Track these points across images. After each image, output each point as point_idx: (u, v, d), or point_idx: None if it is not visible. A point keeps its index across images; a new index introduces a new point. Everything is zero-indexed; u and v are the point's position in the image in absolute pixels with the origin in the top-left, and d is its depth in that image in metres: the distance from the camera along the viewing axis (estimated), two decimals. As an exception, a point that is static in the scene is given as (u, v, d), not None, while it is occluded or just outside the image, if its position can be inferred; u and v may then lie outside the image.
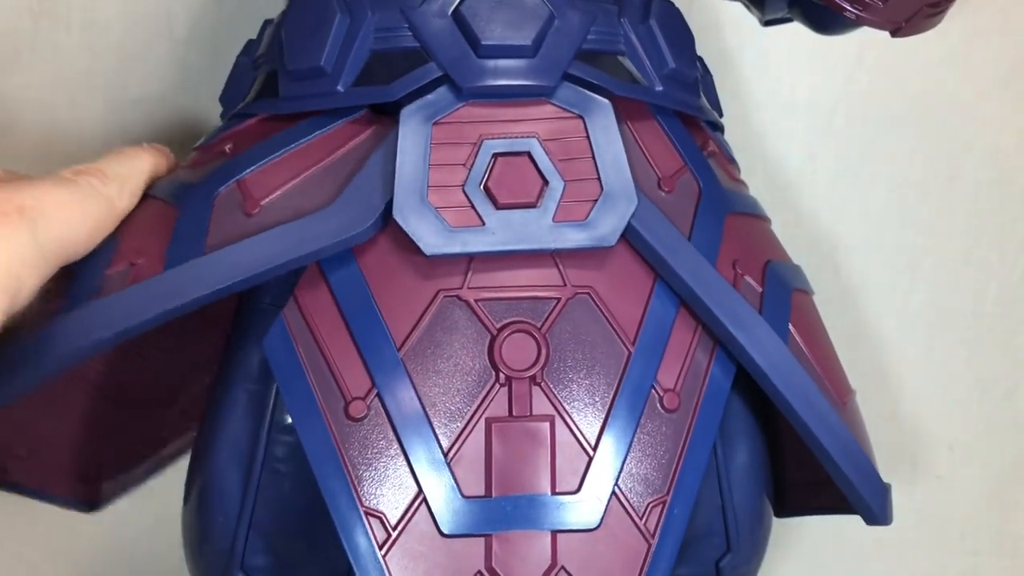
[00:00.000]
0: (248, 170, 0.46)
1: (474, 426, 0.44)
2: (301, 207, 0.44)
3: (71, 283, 0.45)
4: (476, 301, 0.45)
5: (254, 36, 0.54)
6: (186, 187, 0.47)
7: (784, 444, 0.53)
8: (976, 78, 0.73)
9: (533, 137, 0.45)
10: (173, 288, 0.43)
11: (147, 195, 0.49)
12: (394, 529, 0.43)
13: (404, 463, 0.44)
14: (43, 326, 0.44)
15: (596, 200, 0.44)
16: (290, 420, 0.46)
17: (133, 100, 0.69)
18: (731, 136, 0.65)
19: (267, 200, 0.45)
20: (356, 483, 0.43)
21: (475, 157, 0.45)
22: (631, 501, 0.44)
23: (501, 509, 0.43)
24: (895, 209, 0.73)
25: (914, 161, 0.73)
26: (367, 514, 0.43)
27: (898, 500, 0.72)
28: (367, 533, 0.43)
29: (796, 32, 0.57)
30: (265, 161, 0.46)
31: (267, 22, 0.53)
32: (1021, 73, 0.73)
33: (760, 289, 0.47)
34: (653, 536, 0.44)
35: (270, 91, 0.48)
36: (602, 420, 0.44)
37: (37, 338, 0.43)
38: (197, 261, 0.43)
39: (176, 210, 0.46)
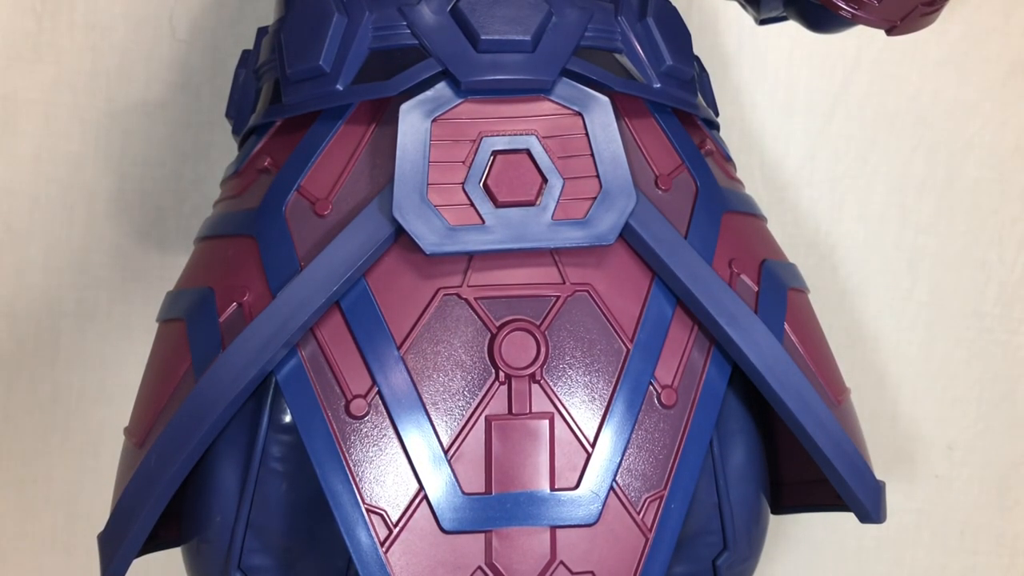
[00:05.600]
0: (301, 176, 0.46)
1: (474, 424, 0.44)
2: (369, 194, 0.45)
3: (189, 349, 0.46)
4: (476, 299, 0.45)
5: (255, 36, 0.54)
6: (248, 213, 0.47)
7: (780, 441, 0.53)
8: (976, 78, 0.73)
9: (532, 134, 0.45)
10: (295, 306, 0.44)
11: (207, 237, 0.49)
12: (395, 526, 0.43)
13: (405, 460, 0.44)
14: (183, 394, 0.45)
15: (595, 198, 0.45)
16: (288, 419, 0.46)
17: (135, 101, 0.69)
18: (729, 137, 0.65)
19: (334, 196, 0.46)
20: (357, 481, 0.43)
21: (474, 155, 0.45)
22: (629, 496, 0.45)
23: (501, 506, 0.44)
24: (894, 209, 0.73)
25: (914, 161, 0.73)
26: (368, 511, 0.43)
27: (898, 500, 0.72)
28: (369, 530, 0.43)
29: (795, 33, 0.57)
30: (309, 165, 0.47)
31: (261, 30, 0.54)
32: (1021, 73, 0.73)
33: (756, 288, 0.48)
34: (650, 530, 0.45)
35: (278, 98, 0.49)
36: (600, 416, 0.45)
37: (188, 405, 0.44)
38: (303, 275, 0.44)
39: (252, 238, 0.46)
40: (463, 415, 0.44)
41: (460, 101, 0.45)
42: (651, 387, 0.45)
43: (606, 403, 0.45)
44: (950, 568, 0.74)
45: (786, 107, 0.73)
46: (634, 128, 0.48)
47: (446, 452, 0.44)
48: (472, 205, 0.44)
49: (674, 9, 0.51)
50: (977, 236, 0.73)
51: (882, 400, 0.74)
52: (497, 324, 0.45)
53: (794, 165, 0.73)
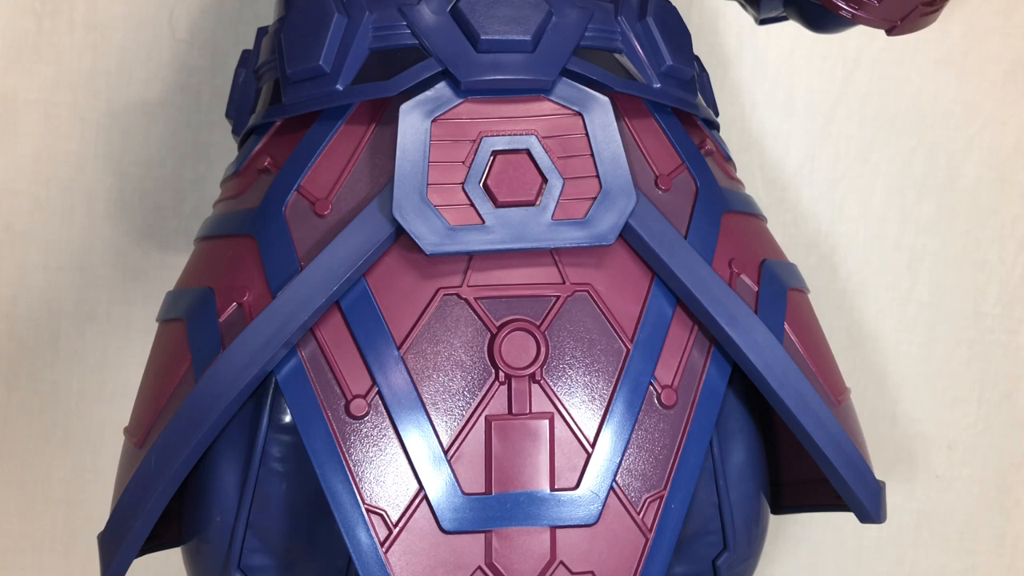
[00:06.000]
0: (301, 176, 0.46)
1: (474, 424, 0.44)
2: (369, 194, 0.45)
3: (189, 349, 0.46)
4: (476, 299, 0.45)
5: (255, 36, 0.54)
6: (249, 213, 0.47)
7: (780, 441, 0.53)
8: (976, 78, 0.73)
9: (532, 134, 0.45)
10: (295, 306, 0.44)
11: (207, 237, 0.49)
12: (395, 526, 0.43)
13: (405, 460, 0.44)
14: (183, 393, 0.45)
15: (595, 198, 0.45)
16: (288, 419, 0.47)
17: (135, 101, 0.69)
18: (729, 137, 0.65)
19: (334, 196, 0.46)
20: (357, 481, 0.43)
21: (474, 155, 0.45)
22: (628, 496, 0.45)
23: (501, 506, 0.44)
24: (895, 209, 0.73)
25: (914, 161, 0.73)
26: (368, 511, 0.43)
27: (898, 500, 0.72)
28: (369, 531, 0.43)
29: (795, 33, 0.57)
30: (309, 165, 0.47)
31: (261, 30, 0.54)
32: (1021, 73, 0.73)
33: (756, 288, 0.48)
34: (650, 530, 0.45)
35: (278, 98, 0.49)
36: (600, 417, 0.45)
37: (188, 405, 0.44)
38: (303, 275, 0.44)
39: (252, 238, 0.47)
40: (463, 415, 0.44)
41: (460, 101, 0.45)
42: (651, 387, 0.45)
43: (606, 403, 0.45)
44: (950, 568, 0.74)
45: (786, 107, 0.73)
46: (634, 128, 0.48)
47: (446, 452, 0.44)
48: (472, 205, 0.44)
49: (674, 9, 0.51)
50: (977, 236, 0.73)
51: (882, 400, 0.74)
52: (497, 324, 0.45)
53: (794, 165, 0.73)
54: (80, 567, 0.71)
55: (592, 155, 0.45)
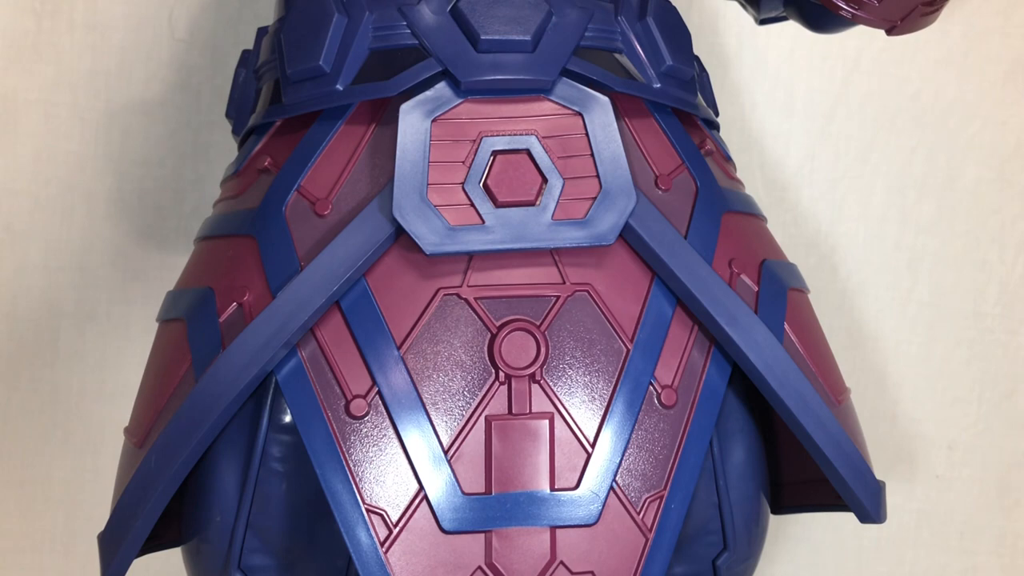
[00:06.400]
0: (301, 176, 0.47)
1: (474, 424, 0.44)
2: (369, 194, 0.45)
3: (189, 349, 0.46)
4: (476, 299, 0.45)
5: (255, 36, 0.54)
6: (249, 213, 0.47)
7: (780, 441, 0.53)
8: (976, 78, 0.73)
9: (532, 134, 0.45)
10: (295, 306, 0.44)
11: (207, 237, 0.49)
12: (395, 526, 0.44)
13: (405, 460, 0.44)
14: (183, 393, 0.45)
15: (595, 198, 0.45)
16: (288, 419, 0.47)
17: (134, 101, 0.69)
18: (729, 137, 0.65)
19: (334, 196, 0.46)
20: (357, 481, 0.43)
21: (474, 155, 0.45)
22: (628, 496, 0.45)
23: (501, 506, 0.44)
24: (894, 209, 0.73)
25: (914, 161, 0.73)
26: (368, 511, 0.43)
27: (898, 500, 0.72)
28: (369, 530, 0.43)
29: (795, 33, 0.57)
30: (309, 165, 0.47)
31: (261, 30, 0.54)
32: (1021, 73, 0.73)
33: (756, 288, 0.48)
34: (650, 530, 0.45)
35: (278, 98, 0.49)
36: (600, 416, 0.45)
37: (188, 405, 0.44)
38: (303, 275, 0.44)
39: (252, 238, 0.47)
40: (463, 415, 0.44)
41: (460, 101, 0.45)
42: (651, 387, 0.45)
43: (606, 403, 0.45)
44: (950, 568, 0.74)
45: (786, 107, 0.73)
46: (634, 128, 0.48)
47: (446, 452, 0.44)
48: (472, 205, 0.44)
49: (674, 9, 0.51)
50: (977, 236, 0.74)
51: (882, 400, 0.74)
52: (497, 324, 0.45)
53: (794, 165, 0.73)
54: (80, 567, 0.71)
55: (592, 155, 0.45)
